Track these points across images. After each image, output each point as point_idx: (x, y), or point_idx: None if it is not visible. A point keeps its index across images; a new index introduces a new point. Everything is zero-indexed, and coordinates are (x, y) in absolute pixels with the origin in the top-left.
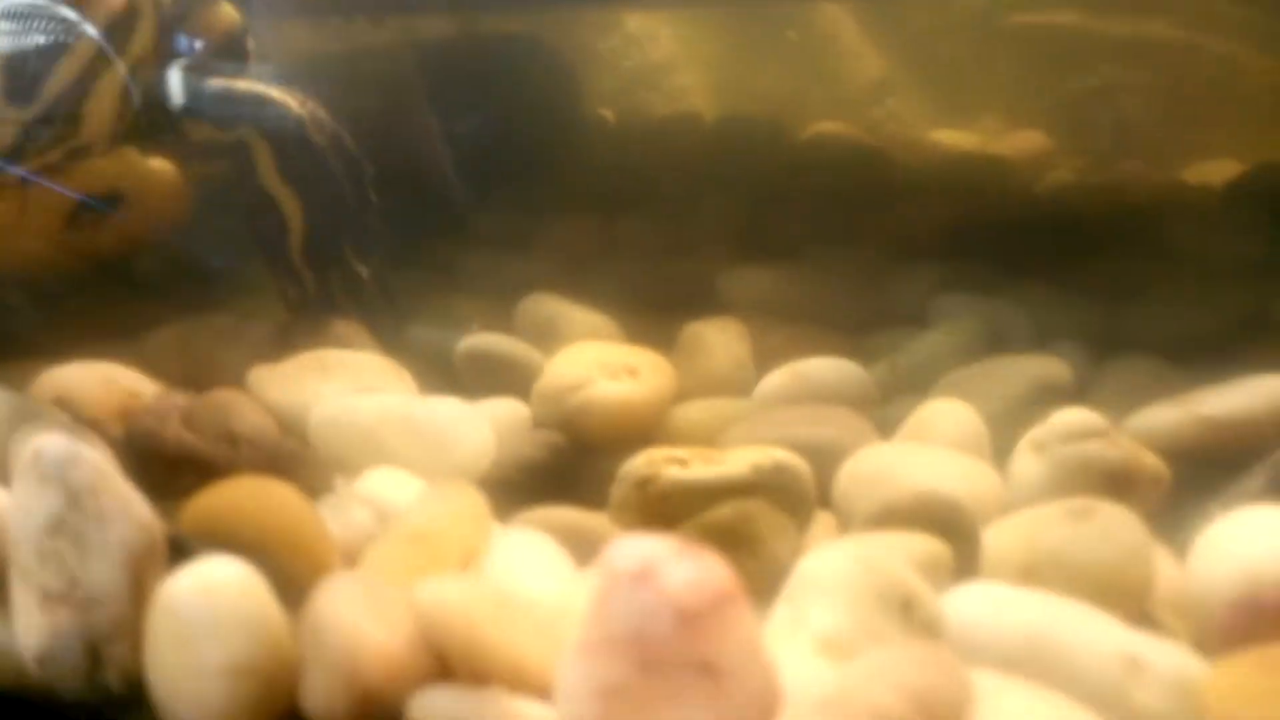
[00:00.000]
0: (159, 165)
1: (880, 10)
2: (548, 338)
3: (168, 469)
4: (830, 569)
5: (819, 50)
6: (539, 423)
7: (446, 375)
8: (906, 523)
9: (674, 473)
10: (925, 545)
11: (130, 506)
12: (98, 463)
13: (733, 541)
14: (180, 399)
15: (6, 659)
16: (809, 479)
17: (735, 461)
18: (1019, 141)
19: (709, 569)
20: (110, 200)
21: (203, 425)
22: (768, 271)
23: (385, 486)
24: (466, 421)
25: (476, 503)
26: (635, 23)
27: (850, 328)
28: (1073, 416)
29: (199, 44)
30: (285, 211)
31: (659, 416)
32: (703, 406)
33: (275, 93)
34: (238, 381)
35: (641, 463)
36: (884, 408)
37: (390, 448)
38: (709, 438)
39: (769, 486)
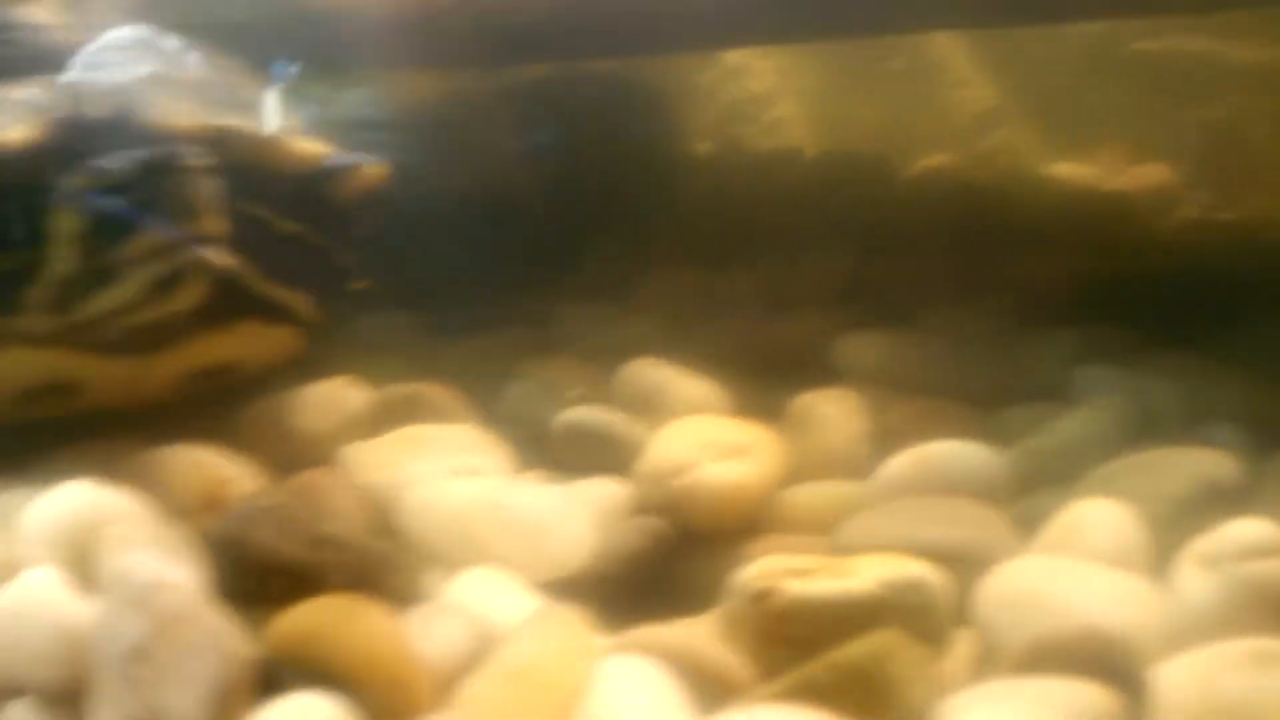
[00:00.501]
0: (280, 334)
1: (992, 38)
2: (651, 408)
3: (255, 576)
4: None
5: (925, 80)
6: (640, 506)
7: (543, 447)
8: (1065, 664)
9: (794, 587)
10: (1090, 695)
11: (219, 637)
12: (187, 589)
13: (864, 688)
14: (268, 498)
15: None
16: (945, 599)
17: (863, 575)
18: (1141, 175)
19: None
20: (229, 368)
21: (291, 529)
22: (885, 336)
23: (478, 593)
24: (563, 511)
25: (580, 632)
26: (733, 56)
27: (979, 402)
28: (1248, 530)
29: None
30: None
31: (769, 500)
32: (816, 491)
33: None
34: (330, 459)
35: (757, 574)
36: (1021, 501)
37: (483, 540)
38: (824, 528)
39: (901, 607)
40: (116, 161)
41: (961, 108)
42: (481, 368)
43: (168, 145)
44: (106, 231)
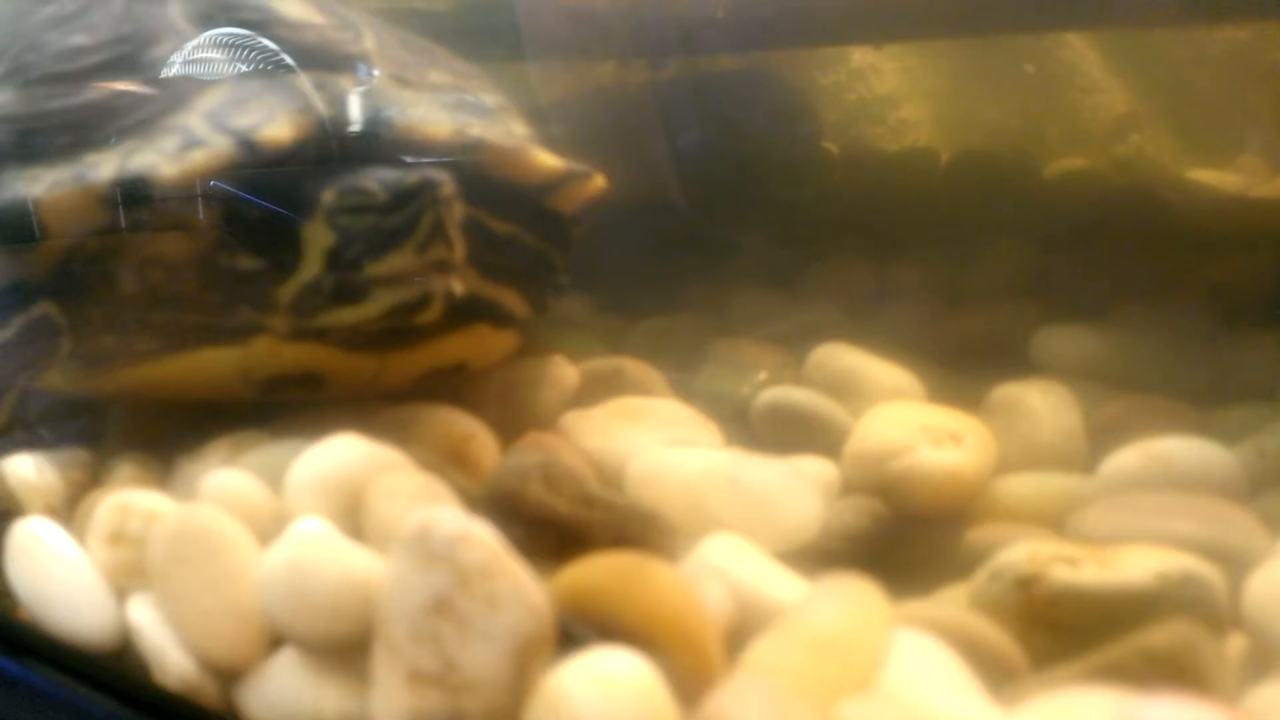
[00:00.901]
0: (505, 336)
1: (1128, 42)
2: (845, 392)
3: (528, 531)
4: None
5: (1057, 83)
6: (850, 487)
7: (743, 425)
8: None
9: (1064, 574)
10: None
11: (523, 590)
12: (491, 543)
13: (1175, 674)
14: (534, 454)
15: None
16: (1223, 595)
17: (1135, 566)
18: None
19: None
20: (456, 369)
21: (563, 485)
22: (1085, 330)
23: (728, 558)
24: (792, 485)
25: (877, 603)
26: (859, 55)
27: (1189, 400)
28: None
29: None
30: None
31: (983, 488)
32: (1035, 482)
33: None
34: (551, 425)
35: (1024, 558)
36: (1260, 500)
37: (712, 508)
38: (1049, 519)
39: (1178, 601)
40: (373, 181)
41: (1095, 112)
42: (668, 348)
43: (424, 169)
44: (357, 250)
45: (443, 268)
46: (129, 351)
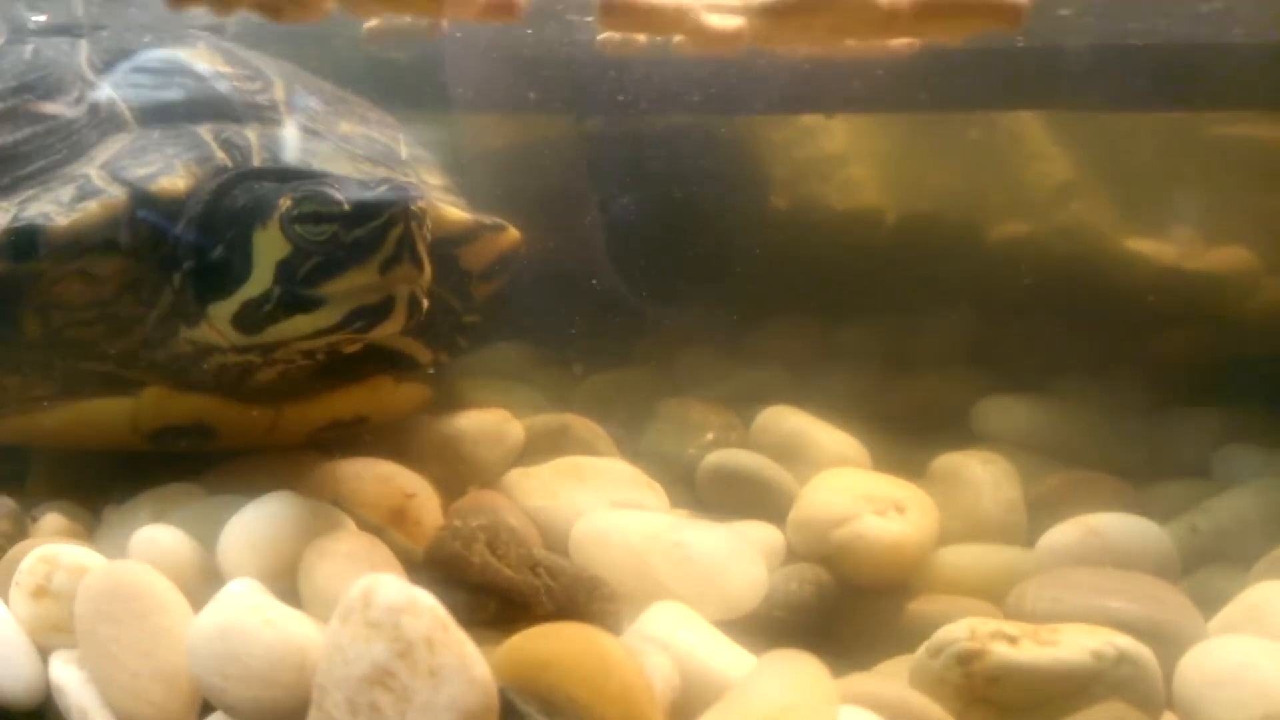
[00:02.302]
0: (409, 392)
1: (1070, 114)
2: (791, 456)
3: (471, 596)
4: None
5: (1000, 149)
6: (795, 554)
7: (688, 486)
8: None
9: (1003, 651)
10: None
11: (467, 663)
12: (437, 613)
13: None
14: (481, 521)
15: None
16: (1158, 675)
17: (1072, 645)
18: (1221, 257)
19: None
20: (357, 422)
21: (506, 551)
22: (1025, 402)
23: (671, 627)
24: (738, 552)
25: (822, 680)
26: (808, 116)
27: (1125, 474)
28: None
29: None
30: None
31: (926, 559)
32: (976, 554)
33: None
34: (494, 482)
35: (964, 634)
36: (1191, 578)
37: (657, 574)
38: (989, 591)
39: (1112, 680)
40: (336, 191)
41: (1037, 179)
42: (614, 404)
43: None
44: (313, 265)
45: (409, 279)
46: (25, 398)
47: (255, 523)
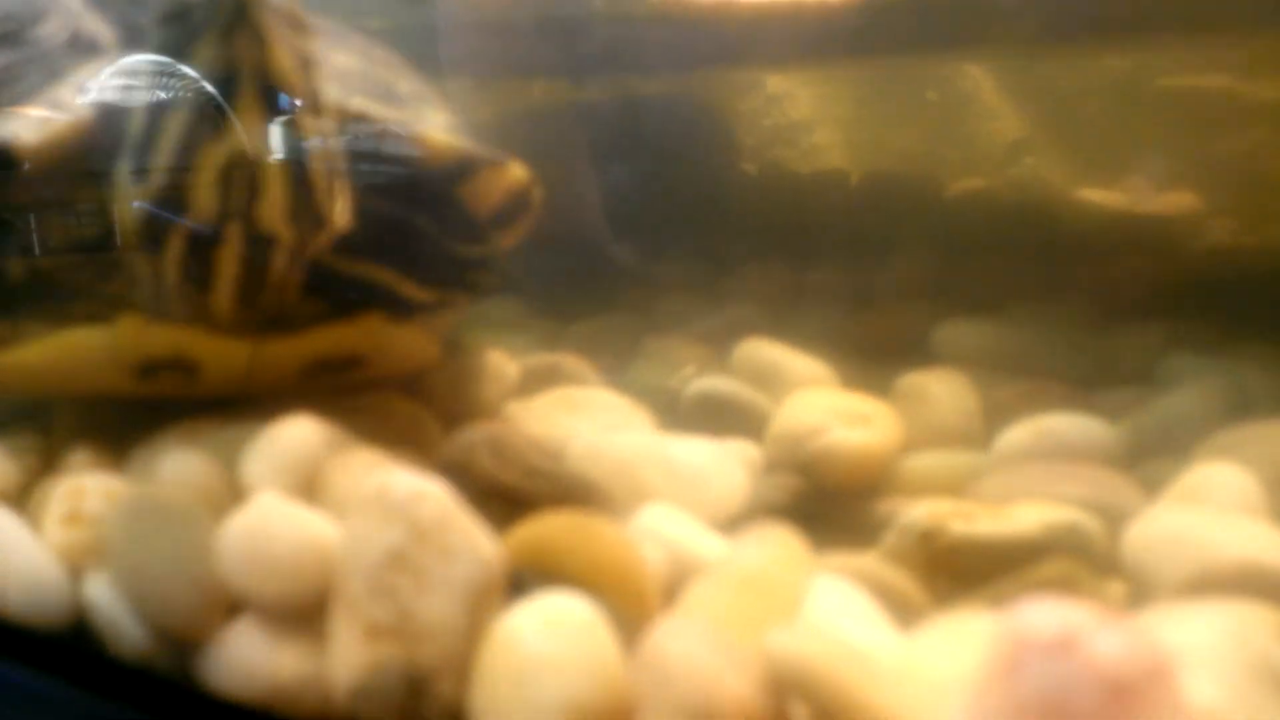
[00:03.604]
0: (408, 337)
1: (1021, 71)
2: (767, 383)
3: (476, 500)
4: (1190, 642)
5: (956, 110)
6: (773, 465)
7: (674, 413)
8: (1229, 593)
9: (961, 527)
10: (1261, 613)
11: (475, 542)
12: (445, 499)
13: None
14: (485, 431)
15: (312, 689)
16: (1103, 540)
17: (1024, 519)
18: (1169, 202)
19: (1141, 639)
20: (350, 362)
21: (508, 458)
22: (983, 324)
23: (665, 523)
24: (720, 462)
25: (797, 550)
26: (774, 83)
27: (1076, 385)
28: None
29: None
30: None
31: (892, 465)
32: (938, 458)
33: None
34: (494, 415)
35: (925, 515)
36: (1138, 468)
37: (648, 484)
38: (951, 490)
39: (1062, 547)
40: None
41: (992, 137)
42: (601, 345)
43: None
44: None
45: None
46: (8, 337)
47: (278, 443)
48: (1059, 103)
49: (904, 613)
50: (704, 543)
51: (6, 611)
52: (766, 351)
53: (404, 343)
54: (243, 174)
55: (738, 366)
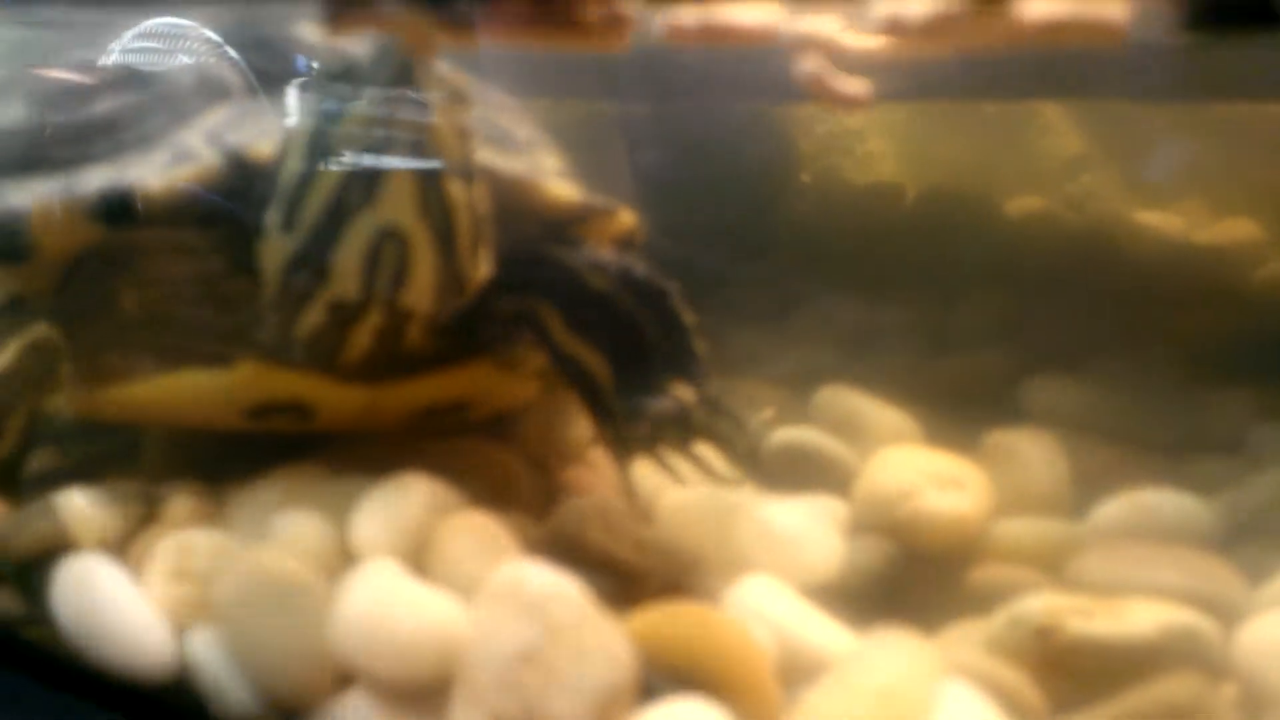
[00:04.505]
0: (510, 381)
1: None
2: (849, 433)
3: (588, 574)
4: None
5: (1014, 125)
6: (861, 526)
7: (752, 463)
8: None
9: (1080, 625)
10: None
11: (608, 642)
12: (581, 600)
13: None
14: (594, 502)
15: None
16: (1219, 647)
17: (1141, 618)
18: (1227, 229)
19: None
20: (456, 408)
21: (619, 531)
22: (1071, 382)
23: (767, 599)
24: (814, 525)
25: (922, 656)
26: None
27: (1164, 452)
28: None
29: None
30: (590, 366)
31: (984, 531)
32: (1031, 526)
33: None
34: (581, 458)
35: (1040, 609)
36: (1232, 552)
37: (744, 549)
38: (1045, 563)
39: (1179, 652)
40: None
41: (1049, 152)
42: (728, 426)
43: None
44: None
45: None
46: (120, 372)
47: (390, 507)
48: (1116, 122)
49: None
50: (811, 625)
51: (108, 664)
52: (847, 400)
53: (507, 385)
54: (392, 251)
55: (817, 414)
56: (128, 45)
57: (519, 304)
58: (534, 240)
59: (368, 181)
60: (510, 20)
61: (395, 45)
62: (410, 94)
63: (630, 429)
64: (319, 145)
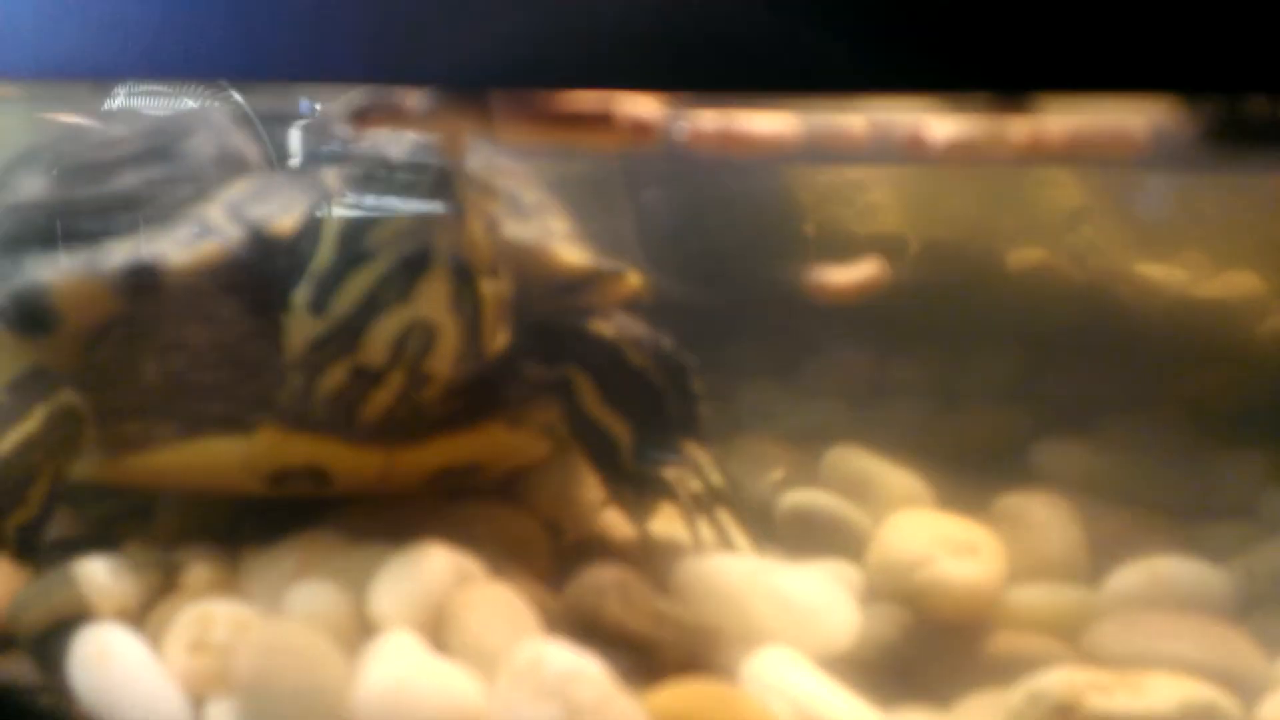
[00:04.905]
0: (521, 440)
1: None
2: (860, 496)
3: (605, 648)
4: None
5: (1014, 175)
6: (875, 594)
7: (762, 525)
8: None
9: (1100, 702)
10: None
11: None
12: (602, 681)
13: None
14: (611, 574)
15: None
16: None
17: (1160, 694)
18: (1229, 281)
19: None
20: (469, 471)
21: (637, 604)
22: (1083, 444)
23: (786, 673)
24: (830, 593)
25: None
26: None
27: (1175, 516)
28: None
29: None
30: (615, 434)
31: (998, 599)
32: (1046, 594)
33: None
34: (594, 521)
35: (1060, 684)
36: (1248, 621)
37: (757, 616)
38: (1061, 632)
39: None
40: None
41: (1050, 204)
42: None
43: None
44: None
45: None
46: (142, 440)
47: (409, 578)
48: (1118, 173)
49: None
50: (830, 701)
51: None
52: (858, 461)
53: (519, 445)
54: (420, 337)
55: (827, 475)
56: (150, 120)
57: (550, 373)
58: (549, 305)
59: (404, 281)
60: (540, 118)
61: (432, 153)
62: (449, 203)
63: (647, 491)
64: (356, 241)
